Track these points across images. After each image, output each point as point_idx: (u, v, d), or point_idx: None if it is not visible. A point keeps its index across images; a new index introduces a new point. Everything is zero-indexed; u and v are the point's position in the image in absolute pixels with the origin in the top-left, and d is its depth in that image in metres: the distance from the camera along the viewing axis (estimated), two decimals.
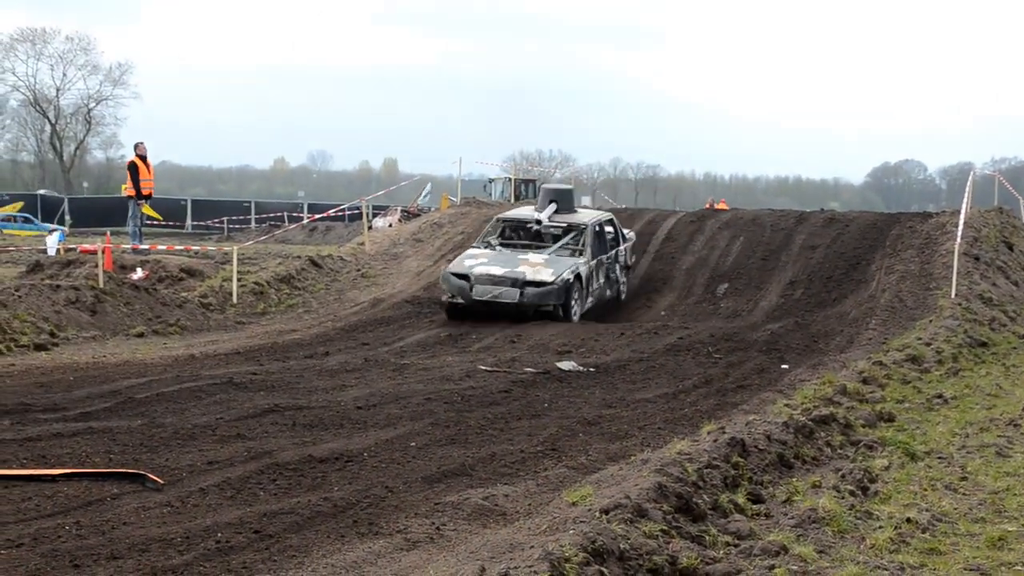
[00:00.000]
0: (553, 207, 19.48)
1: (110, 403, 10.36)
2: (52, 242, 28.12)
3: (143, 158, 22.44)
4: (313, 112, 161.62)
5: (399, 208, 48.10)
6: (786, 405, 10.16)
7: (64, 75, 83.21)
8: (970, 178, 23.26)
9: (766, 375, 13.24)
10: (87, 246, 23.00)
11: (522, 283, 17.26)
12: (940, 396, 11.41)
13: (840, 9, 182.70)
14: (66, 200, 65.60)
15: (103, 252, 18.30)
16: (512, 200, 34.03)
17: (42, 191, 73.00)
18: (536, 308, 17.29)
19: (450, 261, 19.45)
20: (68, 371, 12.40)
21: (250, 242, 32.23)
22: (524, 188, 43.27)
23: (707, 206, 40.40)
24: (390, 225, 37.49)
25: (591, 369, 13.46)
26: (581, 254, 18.45)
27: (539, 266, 17.66)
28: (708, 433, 8.42)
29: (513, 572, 5.07)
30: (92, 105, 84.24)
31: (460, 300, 17.45)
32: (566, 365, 13.56)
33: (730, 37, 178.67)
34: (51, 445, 8.57)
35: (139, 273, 19.98)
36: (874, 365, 12.54)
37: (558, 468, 8.29)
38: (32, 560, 5.87)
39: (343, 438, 9.12)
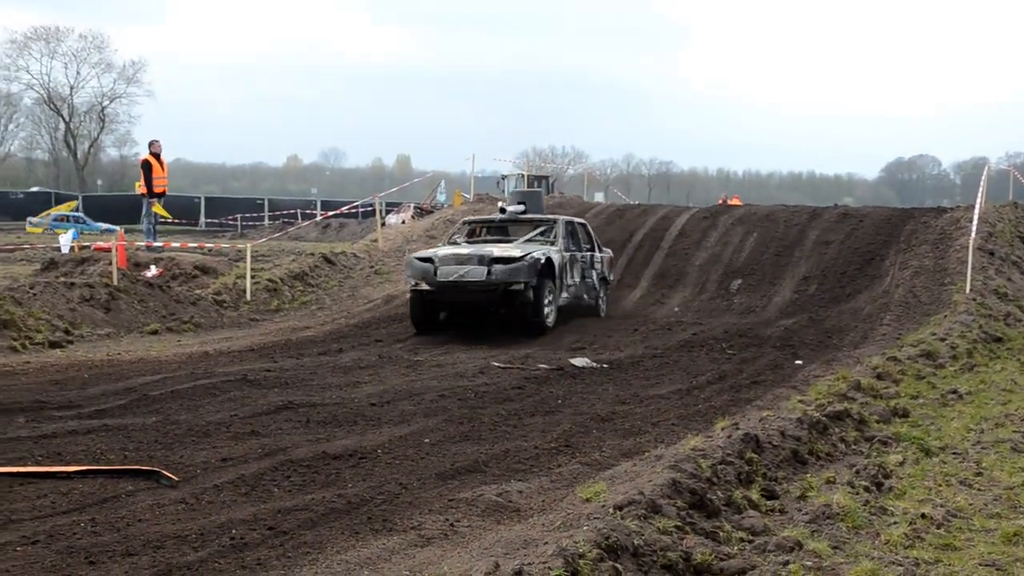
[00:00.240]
0: (520, 208, 18.52)
1: (125, 400, 10.39)
2: (66, 240, 28.17)
3: (157, 156, 22.48)
4: (326, 109, 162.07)
5: (412, 205, 48.21)
6: (800, 401, 10.15)
7: (78, 73, 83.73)
8: (985, 173, 23.18)
9: (780, 371, 13.21)
10: (101, 244, 23.07)
11: (489, 260, 15.89)
12: (955, 392, 11.38)
13: (852, 4, 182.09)
14: (80, 197, 65.82)
15: (117, 250, 18.36)
16: None
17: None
18: (505, 287, 15.82)
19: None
20: (83, 368, 12.45)
21: (263, 239, 32.33)
22: (537, 184, 43.21)
23: (720, 202, 40.35)
24: (403, 222, 37.58)
25: (604, 365, 13.45)
26: (553, 244, 17.29)
27: (508, 247, 16.60)
28: (722, 429, 8.41)
29: (527, 568, 5.07)
30: (106, 103, 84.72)
31: (424, 286, 16.09)
32: (579, 361, 13.55)
33: (743, 34, 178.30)
34: (66, 442, 8.59)
35: (153, 271, 20.04)
36: (888, 361, 12.51)
37: (572, 464, 8.29)
38: (48, 557, 5.89)
39: (357, 435, 9.13)
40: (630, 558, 5.52)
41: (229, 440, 8.84)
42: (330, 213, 49.10)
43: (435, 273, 15.89)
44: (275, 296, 19.30)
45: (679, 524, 6.10)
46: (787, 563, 5.73)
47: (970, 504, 7.17)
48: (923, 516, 6.74)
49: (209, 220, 67.84)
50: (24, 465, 7.84)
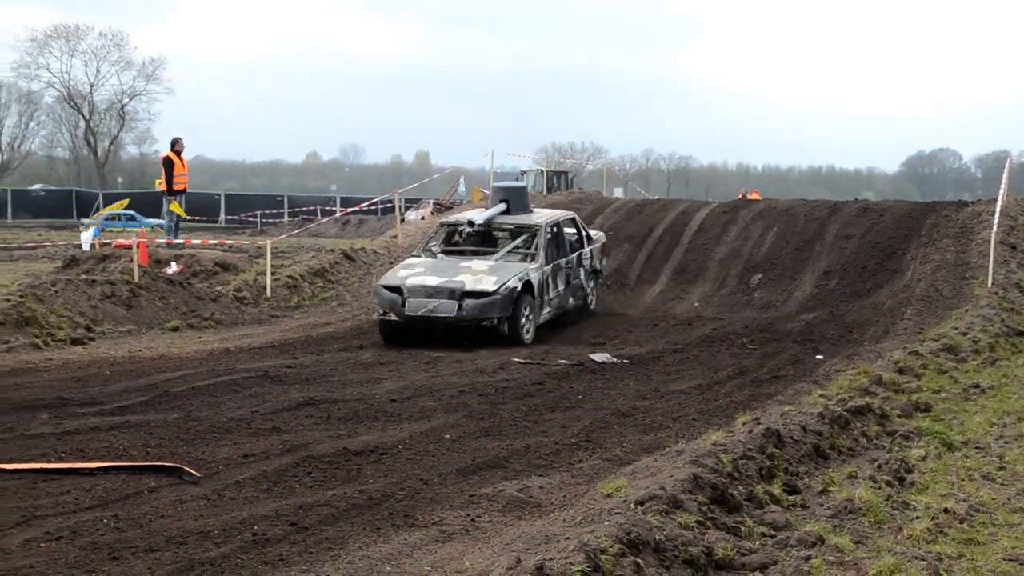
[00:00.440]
0: (500, 207, 17.29)
1: (146, 397, 10.44)
2: (87, 237, 28.27)
3: (179, 154, 22.51)
4: (345, 106, 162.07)
5: (431, 201, 48.26)
6: (821, 395, 10.13)
7: (98, 71, 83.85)
8: (1007, 166, 23.08)
9: (801, 366, 13.18)
10: (122, 241, 23.16)
11: (460, 294, 14.81)
12: (977, 386, 11.33)
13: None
14: (101, 195, 66.10)
15: (138, 247, 18.43)
16: (544, 192, 33.89)
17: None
18: (477, 323, 14.91)
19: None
20: (104, 365, 12.50)
21: (283, 236, 32.41)
22: (556, 180, 43.19)
23: (740, 197, 40.29)
24: (423, 218, 37.61)
25: (625, 361, 13.44)
26: (533, 258, 15.99)
27: (482, 274, 15.29)
28: (743, 424, 8.40)
29: (549, 564, 5.07)
30: (125, 101, 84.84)
31: (393, 317, 15.03)
32: (600, 357, 13.54)
33: (762, 28, 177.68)
34: (89, 439, 8.64)
35: (174, 267, 20.09)
36: (910, 355, 12.46)
37: (592, 460, 8.29)
38: (71, 553, 5.93)
39: (378, 431, 9.15)
40: (651, 553, 5.52)
41: (250, 436, 8.88)
42: (349, 209, 49.05)
43: (403, 305, 14.93)
44: (295, 292, 19.34)
45: (700, 519, 6.09)
46: (809, 558, 5.71)
47: (993, 498, 7.14)
48: (946, 511, 6.71)
49: (229, 217, 67.98)
50: (47, 461, 7.88)
